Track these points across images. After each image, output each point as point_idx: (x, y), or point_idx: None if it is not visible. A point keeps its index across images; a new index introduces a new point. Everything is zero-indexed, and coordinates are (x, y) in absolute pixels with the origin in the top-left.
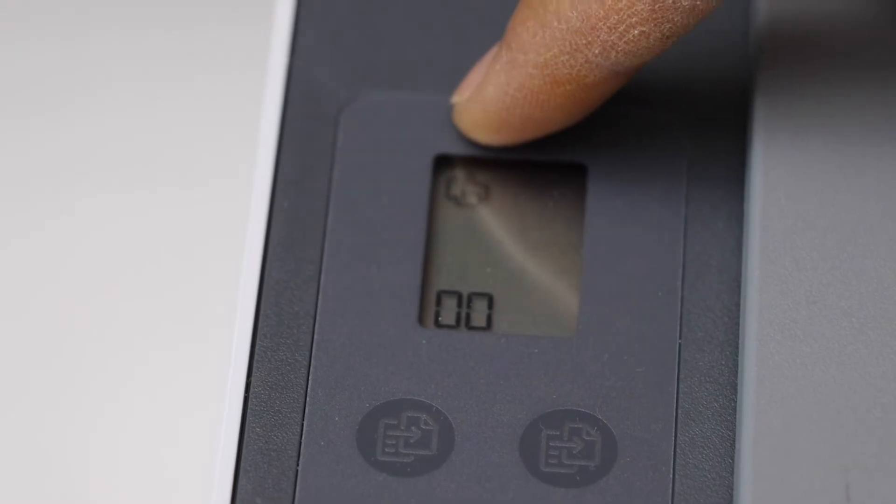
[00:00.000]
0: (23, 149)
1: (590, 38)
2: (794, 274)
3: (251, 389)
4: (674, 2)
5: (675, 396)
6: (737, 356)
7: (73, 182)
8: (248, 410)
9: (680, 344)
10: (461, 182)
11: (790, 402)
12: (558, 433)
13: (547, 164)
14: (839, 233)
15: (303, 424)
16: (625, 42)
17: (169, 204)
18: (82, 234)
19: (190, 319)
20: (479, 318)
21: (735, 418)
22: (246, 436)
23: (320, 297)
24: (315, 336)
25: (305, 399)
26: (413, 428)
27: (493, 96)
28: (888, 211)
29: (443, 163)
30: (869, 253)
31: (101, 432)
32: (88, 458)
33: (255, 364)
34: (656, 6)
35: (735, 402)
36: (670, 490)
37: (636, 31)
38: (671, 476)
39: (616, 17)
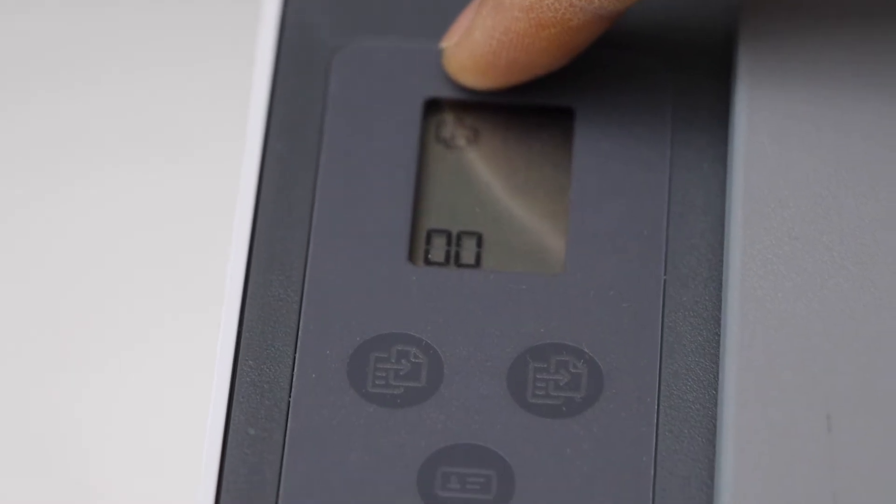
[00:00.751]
0: (12, 125)
1: None
2: (776, 211)
3: (244, 324)
4: None
5: (659, 330)
6: (720, 292)
7: (70, 135)
8: (242, 344)
9: (665, 280)
10: (450, 125)
11: (772, 335)
12: (545, 366)
13: (535, 107)
14: (821, 172)
15: (294, 358)
16: None
17: (165, 148)
18: (76, 176)
19: (186, 259)
20: (468, 256)
21: (718, 351)
22: (239, 369)
23: (312, 235)
24: (307, 273)
25: (297, 333)
26: (403, 361)
27: (479, 40)
28: (869, 151)
29: (433, 107)
30: (850, 191)
31: (95, 367)
32: (83, 387)
33: (248, 300)
34: None
35: (718, 335)
36: (655, 420)
37: None
38: (656, 407)
39: None
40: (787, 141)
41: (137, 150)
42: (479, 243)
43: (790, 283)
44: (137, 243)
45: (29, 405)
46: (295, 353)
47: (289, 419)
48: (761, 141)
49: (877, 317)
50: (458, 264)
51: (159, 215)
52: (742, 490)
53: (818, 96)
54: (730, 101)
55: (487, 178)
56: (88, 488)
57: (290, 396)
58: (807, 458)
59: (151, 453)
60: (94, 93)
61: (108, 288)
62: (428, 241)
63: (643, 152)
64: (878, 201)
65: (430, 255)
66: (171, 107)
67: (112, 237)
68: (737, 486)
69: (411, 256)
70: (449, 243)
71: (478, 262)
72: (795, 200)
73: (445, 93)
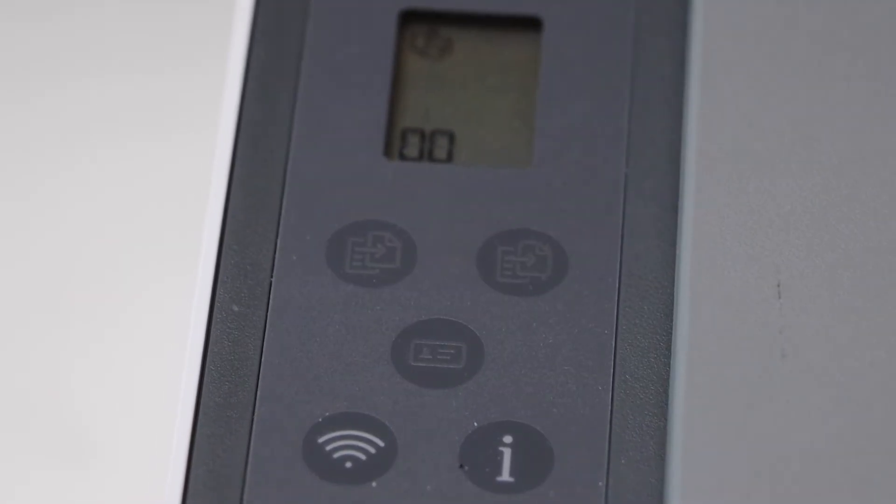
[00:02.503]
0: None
1: None
2: (731, 101)
3: (228, 211)
4: None
5: (621, 217)
6: (679, 183)
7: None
8: (226, 229)
9: (626, 173)
10: (425, 35)
11: (725, 212)
12: (513, 249)
13: (505, 17)
14: (775, 62)
15: (276, 242)
16: None
17: (150, 72)
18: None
19: (174, 162)
20: (440, 153)
21: (676, 236)
22: (224, 252)
23: (294, 132)
24: (289, 165)
25: (279, 220)
26: (378, 245)
27: None
28: (819, 42)
29: (408, 17)
30: (800, 78)
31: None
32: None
33: (232, 190)
34: None
35: (676, 222)
36: (616, 297)
37: None
38: (617, 286)
39: None
40: (741, 34)
41: (124, 128)
42: (452, 141)
43: (744, 166)
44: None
45: (16, 355)
46: (276, 238)
47: (270, 297)
48: (718, 39)
49: (823, 192)
50: (432, 159)
51: (149, 131)
52: (697, 354)
53: (779, 14)
54: (688, 5)
55: (460, 82)
56: (81, 432)
57: (271, 277)
58: (758, 322)
59: (150, 400)
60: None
61: (106, 239)
62: (403, 138)
63: (606, 56)
64: (829, 89)
65: (404, 151)
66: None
67: (113, 197)
68: (692, 351)
69: (387, 152)
70: (423, 141)
71: (450, 158)
72: (750, 88)
73: (420, 4)
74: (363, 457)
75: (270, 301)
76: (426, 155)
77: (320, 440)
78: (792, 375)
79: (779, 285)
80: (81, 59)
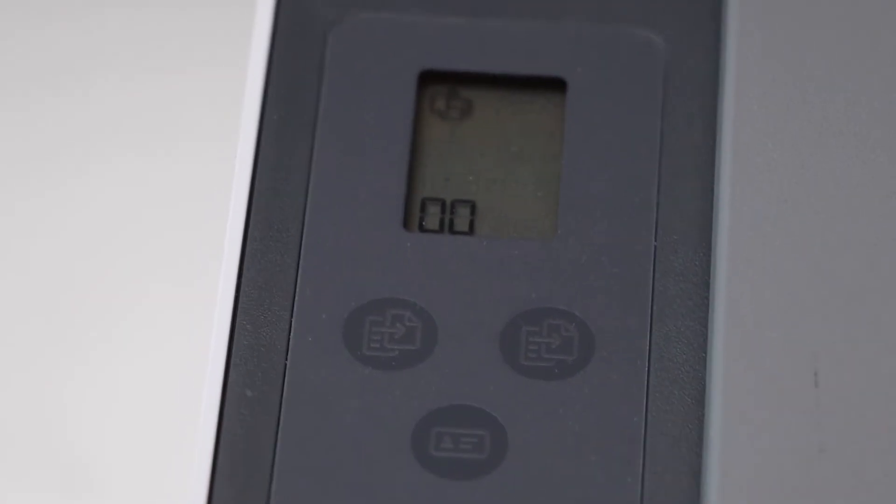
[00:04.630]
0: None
1: None
2: (765, 175)
3: (242, 288)
4: None
5: (650, 294)
6: (710, 258)
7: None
8: (239, 308)
9: (655, 246)
10: (445, 97)
11: (760, 294)
12: (537, 329)
13: (527, 78)
14: (809, 135)
15: (291, 322)
16: None
17: (162, 131)
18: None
19: (182, 227)
20: (461, 224)
21: (708, 315)
22: (237, 332)
23: (309, 203)
24: (304, 238)
25: (294, 297)
26: (397, 324)
27: None
28: (857, 108)
29: (427, 78)
30: (838, 151)
31: (90, 344)
32: (78, 364)
33: (245, 265)
34: None
35: (708, 300)
36: (645, 382)
37: None
38: (646, 369)
39: None
40: (775, 105)
41: (132, 139)
42: (473, 211)
43: (778, 244)
44: (134, 222)
45: (23, 389)
46: (291, 316)
47: (285, 381)
48: (750, 108)
49: (862, 275)
50: (452, 231)
51: (157, 199)
52: (730, 447)
53: (808, 58)
54: (720, 60)
55: (481, 147)
56: (85, 467)
57: (286, 359)
58: (794, 414)
59: (149, 429)
60: (92, 87)
61: (104, 263)
62: (422, 209)
63: (634, 121)
64: (865, 163)
65: (424, 223)
66: (167, 92)
67: (111, 220)
68: (725, 444)
69: (406, 223)
70: (443, 211)
71: (471, 230)
72: (784, 163)
73: (440, 65)
74: None
75: (285, 385)
76: (447, 226)
77: None
78: (830, 472)
79: (816, 373)
80: (88, 73)
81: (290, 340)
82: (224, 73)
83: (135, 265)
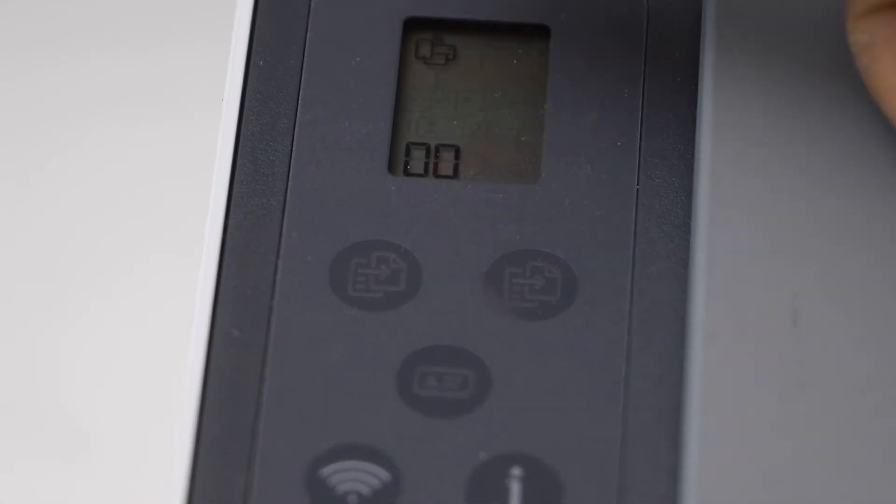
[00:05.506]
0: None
1: None
2: (745, 119)
3: (228, 231)
4: None
5: (632, 237)
6: (691, 201)
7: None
8: (226, 251)
9: (638, 189)
10: (430, 43)
11: (740, 235)
12: (521, 271)
13: (511, 25)
14: (794, 68)
15: (277, 264)
16: None
17: (150, 62)
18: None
19: (171, 172)
20: (446, 168)
21: (689, 257)
22: (223, 274)
23: (294, 147)
24: (290, 182)
25: (280, 240)
26: (382, 266)
27: None
28: (832, 77)
29: (412, 25)
30: (817, 86)
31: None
32: (72, 321)
33: (231, 208)
34: None
35: (689, 242)
36: (627, 322)
37: None
38: (628, 309)
39: None
40: (756, 50)
41: (121, 101)
42: (457, 156)
43: (758, 186)
44: (124, 184)
45: (16, 354)
46: (278, 259)
47: (271, 321)
48: (731, 53)
49: (840, 215)
50: (437, 175)
51: (146, 161)
52: (712, 385)
53: (788, 2)
54: (702, 17)
55: (465, 93)
56: (79, 429)
57: (272, 301)
58: (774, 352)
59: (141, 392)
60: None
61: (94, 226)
62: (407, 153)
63: (617, 67)
64: (845, 103)
65: (409, 167)
66: (155, 48)
67: (102, 181)
68: (706, 382)
69: (391, 168)
70: (428, 155)
71: (455, 174)
72: (764, 108)
73: (425, 12)
74: (367, 490)
75: (272, 326)
76: (431, 171)
77: (323, 472)
78: (810, 408)
79: (794, 311)
80: (79, 48)
81: (277, 282)
82: (212, 24)
83: (124, 230)
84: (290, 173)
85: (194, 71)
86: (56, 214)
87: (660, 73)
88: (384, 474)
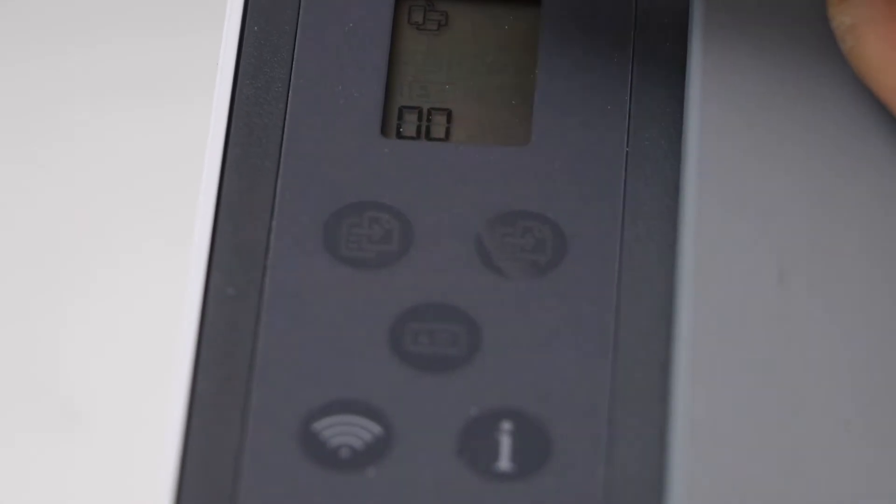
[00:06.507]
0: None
1: None
2: (734, 84)
3: (222, 192)
4: None
5: (621, 198)
6: (680, 164)
7: None
8: (221, 211)
9: (627, 152)
10: (422, 9)
11: (728, 196)
12: (511, 230)
13: None
14: (782, 34)
15: (271, 223)
16: None
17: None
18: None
19: (167, 157)
20: (438, 131)
21: (678, 217)
22: (218, 234)
23: (288, 110)
24: (283, 145)
25: (274, 200)
26: (375, 226)
27: None
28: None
29: None
30: (807, 47)
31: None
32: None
33: (226, 170)
34: None
35: (678, 202)
36: (616, 281)
37: None
38: (617, 268)
39: None
40: (745, 13)
41: (119, 79)
42: (449, 119)
43: (745, 148)
44: (120, 163)
45: (11, 329)
46: (271, 219)
47: (265, 280)
48: (720, 19)
49: (830, 176)
50: (429, 138)
51: (144, 140)
52: (699, 342)
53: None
54: None
55: (457, 58)
56: (73, 402)
57: (265, 259)
58: (760, 309)
59: (135, 367)
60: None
61: (89, 201)
62: (400, 116)
63: (607, 32)
64: (834, 67)
65: (401, 130)
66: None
67: (98, 159)
68: (694, 337)
69: (384, 130)
70: (420, 119)
71: (447, 136)
72: (754, 70)
73: None
74: (359, 444)
75: (265, 284)
76: (424, 133)
77: (316, 426)
78: (796, 364)
79: (781, 272)
80: (71, 29)
81: (271, 241)
82: (206, 9)
83: (120, 213)
84: (284, 136)
85: (187, 58)
86: (54, 195)
87: (649, 38)
88: (376, 428)
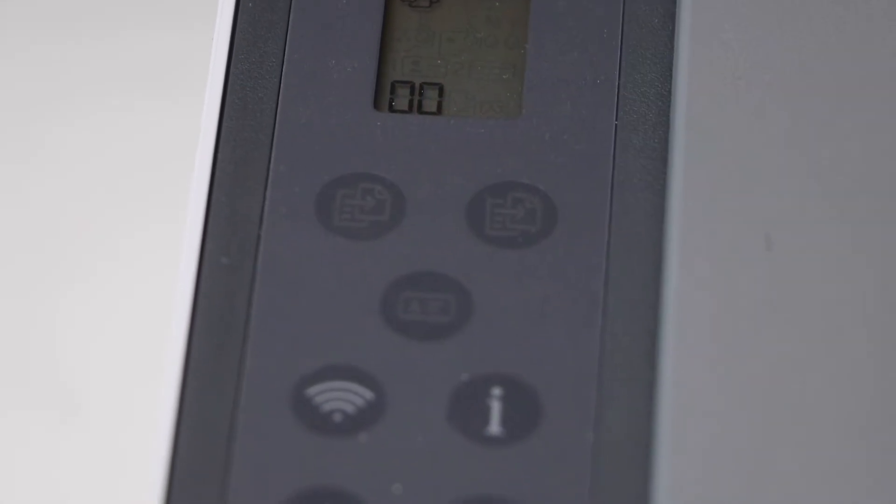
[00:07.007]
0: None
1: None
2: (721, 56)
3: (217, 164)
4: None
5: (611, 169)
6: (668, 136)
7: None
8: (215, 182)
9: (616, 125)
10: None
11: (715, 164)
12: (502, 201)
13: None
14: (763, 16)
15: (265, 194)
16: None
17: (138, 26)
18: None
19: (165, 147)
20: (430, 105)
21: (665, 188)
22: (213, 204)
23: (282, 84)
24: (277, 117)
25: (268, 172)
26: (367, 197)
27: None
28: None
29: None
30: (795, 22)
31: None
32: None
33: (220, 142)
34: None
35: (666, 174)
36: (605, 250)
37: None
38: (606, 238)
39: None
40: None
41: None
42: (441, 93)
43: (733, 118)
44: (118, 152)
45: (10, 317)
46: (265, 190)
47: (259, 250)
48: None
49: (814, 143)
50: (421, 111)
51: (140, 129)
52: (686, 307)
53: None
54: None
55: (449, 34)
56: (71, 391)
57: (259, 230)
58: (747, 275)
59: (133, 354)
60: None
61: (87, 190)
62: (392, 91)
63: (597, 8)
64: (815, 37)
65: (394, 104)
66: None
67: (97, 150)
68: (681, 304)
69: (376, 104)
70: (412, 93)
71: (439, 110)
72: (739, 42)
73: None
74: (351, 409)
75: (259, 253)
76: (416, 107)
77: (309, 392)
78: (782, 329)
79: (767, 237)
80: (68, 14)
81: (265, 212)
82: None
83: (118, 198)
84: (278, 109)
85: (184, 51)
86: (51, 184)
87: (638, 14)
88: (368, 394)
